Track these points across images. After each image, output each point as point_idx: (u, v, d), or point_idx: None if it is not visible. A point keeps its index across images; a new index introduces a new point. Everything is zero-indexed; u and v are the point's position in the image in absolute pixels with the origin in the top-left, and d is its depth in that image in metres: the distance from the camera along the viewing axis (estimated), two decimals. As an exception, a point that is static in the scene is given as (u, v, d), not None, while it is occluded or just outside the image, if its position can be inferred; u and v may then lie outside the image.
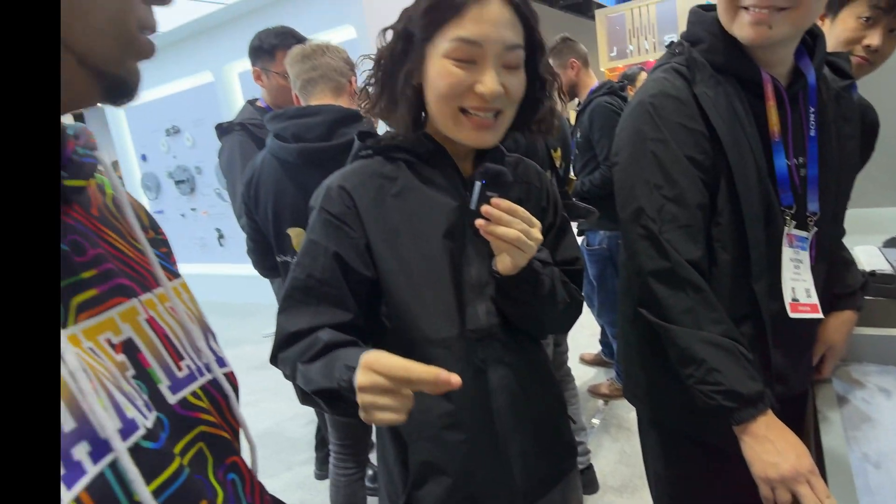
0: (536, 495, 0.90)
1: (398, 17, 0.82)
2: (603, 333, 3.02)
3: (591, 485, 2.07)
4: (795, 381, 1.00)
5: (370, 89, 0.85)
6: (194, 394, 0.48)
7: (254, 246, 1.58)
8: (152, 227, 0.56)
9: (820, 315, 0.95)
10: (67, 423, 0.35)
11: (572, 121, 2.66)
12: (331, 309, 0.80)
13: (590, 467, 2.09)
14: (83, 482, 0.35)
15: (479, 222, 0.74)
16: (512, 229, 0.74)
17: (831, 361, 1.12)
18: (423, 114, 0.86)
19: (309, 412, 2.67)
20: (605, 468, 2.21)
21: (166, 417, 0.44)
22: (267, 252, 1.54)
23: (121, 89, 0.43)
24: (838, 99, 1.00)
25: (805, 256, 0.96)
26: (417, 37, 0.79)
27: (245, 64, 2.85)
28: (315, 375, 0.73)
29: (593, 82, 2.56)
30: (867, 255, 1.53)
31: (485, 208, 0.74)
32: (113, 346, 0.42)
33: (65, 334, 0.38)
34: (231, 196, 1.88)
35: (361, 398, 0.63)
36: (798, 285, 0.94)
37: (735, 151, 0.90)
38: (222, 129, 1.91)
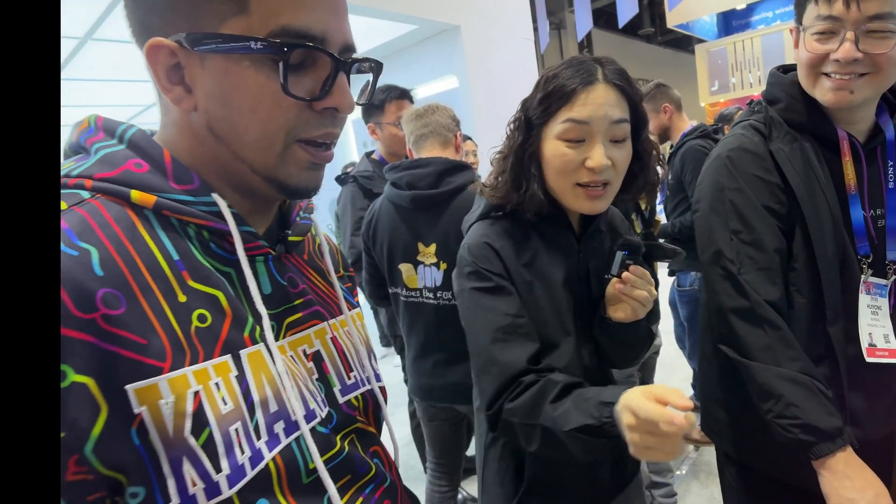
0: (612, 496, 1.04)
1: (519, 107, 0.95)
2: (695, 377, 2.96)
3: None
4: (872, 425, 1.03)
5: (500, 178, 0.97)
6: (356, 398, 0.64)
7: (369, 279, 1.82)
8: (343, 267, 0.76)
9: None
10: (272, 406, 0.52)
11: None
12: (530, 342, 0.89)
13: (676, 507, 2.11)
14: (278, 448, 0.51)
15: (619, 287, 0.90)
16: (643, 291, 0.89)
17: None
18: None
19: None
20: (692, 511, 2.19)
21: (335, 412, 0.60)
22: (381, 284, 1.77)
23: (289, 190, 0.54)
24: None
25: (884, 303, 1.01)
26: (535, 122, 0.92)
27: (355, 113, 3.21)
28: (571, 414, 0.78)
29: (686, 125, 2.63)
30: None
31: (625, 275, 0.89)
32: (306, 355, 0.60)
33: (277, 345, 0.54)
34: (341, 235, 2.17)
35: (630, 437, 0.68)
36: (876, 331, 0.99)
37: (809, 202, 0.98)
38: (340, 180, 2.22)
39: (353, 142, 4.84)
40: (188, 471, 0.45)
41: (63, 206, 0.45)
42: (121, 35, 3.04)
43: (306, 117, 0.52)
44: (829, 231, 0.98)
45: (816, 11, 0.95)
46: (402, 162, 1.67)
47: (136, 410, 0.43)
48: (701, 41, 9.89)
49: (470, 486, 2.73)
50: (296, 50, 0.48)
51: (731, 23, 10.38)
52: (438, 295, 1.61)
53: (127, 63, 3.61)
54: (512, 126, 0.96)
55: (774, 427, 0.94)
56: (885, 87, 0.99)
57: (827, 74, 0.96)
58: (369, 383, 0.67)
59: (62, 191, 0.47)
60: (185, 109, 0.51)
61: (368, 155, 2.28)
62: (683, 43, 12.75)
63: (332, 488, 0.54)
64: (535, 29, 5.62)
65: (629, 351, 1.02)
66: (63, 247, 0.43)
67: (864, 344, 0.98)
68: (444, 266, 1.59)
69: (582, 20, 6.43)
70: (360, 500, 0.58)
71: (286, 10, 0.48)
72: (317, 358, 0.61)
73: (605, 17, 11.04)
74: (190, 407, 0.45)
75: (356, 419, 0.63)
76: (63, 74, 3.58)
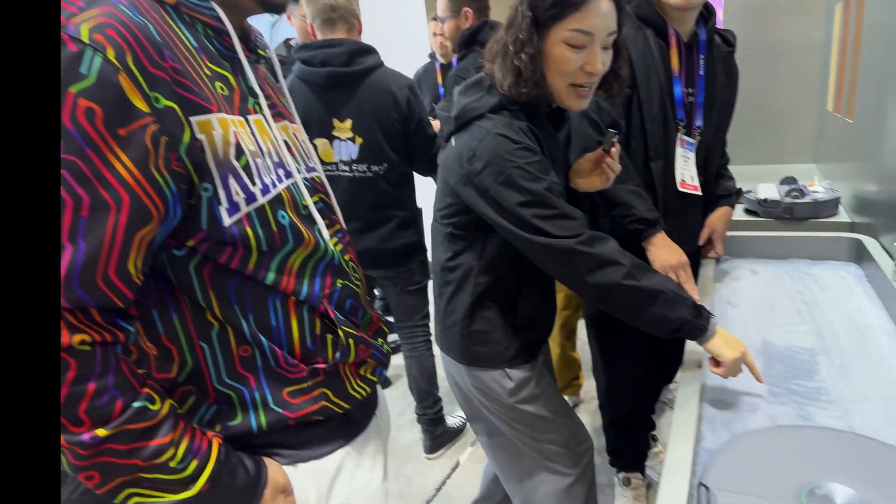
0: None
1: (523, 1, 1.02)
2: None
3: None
4: (681, 244, 1.51)
5: (518, 73, 1.03)
6: (316, 177, 0.86)
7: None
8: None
9: (699, 193, 1.48)
10: (275, 157, 0.74)
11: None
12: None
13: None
14: (283, 185, 0.75)
15: (607, 161, 1.17)
16: (618, 164, 1.19)
17: (718, 242, 1.65)
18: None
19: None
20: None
21: (307, 180, 0.82)
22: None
23: (270, 4, 0.74)
24: (724, 59, 1.50)
25: (691, 156, 1.48)
26: (543, 22, 1.01)
27: None
28: (667, 288, 1.04)
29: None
30: (766, 189, 2.06)
31: (613, 150, 1.16)
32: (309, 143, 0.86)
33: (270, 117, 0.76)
34: None
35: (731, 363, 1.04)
36: (686, 173, 1.46)
37: (644, 74, 1.39)
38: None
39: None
40: (233, 184, 0.66)
41: None
42: None
43: None
44: (657, 97, 1.40)
45: None
46: (313, 42, 1.81)
47: (198, 137, 0.62)
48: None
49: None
50: None
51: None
52: (354, 167, 1.84)
53: None
54: (519, 20, 1.03)
55: (620, 226, 1.42)
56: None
57: None
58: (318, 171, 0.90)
59: None
60: None
61: (287, 42, 2.36)
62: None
63: (320, 220, 0.80)
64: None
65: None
66: (129, 13, 0.58)
67: (678, 179, 1.43)
68: (359, 140, 1.81)
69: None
70: (336, 240, 0.84)
71: None
72: (287, 145, 0.81)
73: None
74: (233, 139, 0.65)
75: (319, 191, 0.86)
76: None
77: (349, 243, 0.90)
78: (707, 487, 0.79)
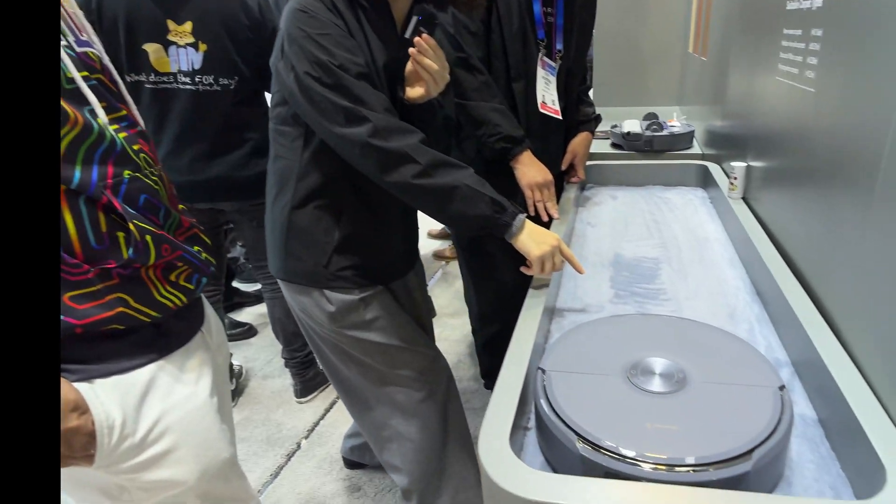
0: (410, 264, 1.32)
1: None
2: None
3: (431, 310, 2.67)
4: (545, 166, 1.53)
5: None
6: (92, 54, 0.75)
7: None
8: None
9: (560, 117, 1.48)
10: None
11: None
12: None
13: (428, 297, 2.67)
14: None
15: (412, 50, 0.99)
16: (434, 63, 1.01)
17: (580, 167, 1.69)
18: None
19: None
20: (443, 302, 2.80)
21: (78, 56, 0.72)
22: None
23: None
24: None
25: (552, 79, 1.47)
26: None
27: None
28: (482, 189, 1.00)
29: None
30: (629, 124, 2.15)
31: (417, 39, 0.99)
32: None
33: None
34: None
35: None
36: (547, 95, 1.45)
37: None
38: None
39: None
40: None
41: None
42: None
43: None
44: (516, 12, 1.38)
45: None
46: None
47: None
48: None
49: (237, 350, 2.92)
50: None
51: None
52: (198, 80, 1.62)
53: None
54: None
55: (486, 146, 1.40)
56: None
57: None
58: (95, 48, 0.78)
59: None
60: None
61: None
62: None
63: (93, 100, 0.69)
64: None
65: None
66: None
67: (539, 100, 1.42)
68: (203, 47, 1.60)
69: None
70: (117, 126, 0.73)
71: None
72: None
73: None
74: None
75: (96, 69, 0.74)
76: None
77: (142, 136, 0.80)
78: (544, 370, 0.79)
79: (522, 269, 1.07)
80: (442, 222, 1.06)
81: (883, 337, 0.70)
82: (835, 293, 0.88)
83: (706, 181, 1.76)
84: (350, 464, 1.82)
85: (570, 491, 0.59)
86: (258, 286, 2.47)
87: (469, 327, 2.47)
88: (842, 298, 0.85)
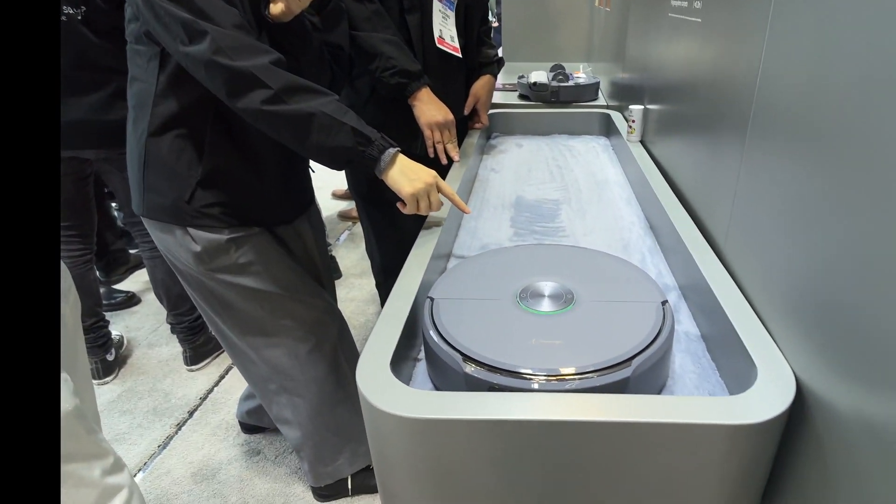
0: (297, 210, 1.22)
1: None
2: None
3: (335, 270, 2.59)
4: (451, 108, 1.48)
5: None
6: None
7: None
8: None
9: (459, 55, 1.43)
10: None
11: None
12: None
13: (332, 257, 2.59)
14: None
15: None
16: None
17: (483, 111, 1.66)
18: None
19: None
20: (349, 263, 2.72)
21: None
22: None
23: None
24: None
25: (451, 15, 1.41)
26: None
27: None
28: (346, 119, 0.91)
29: None
30: (536, 75, 2.14)
31: None
32: None
33: None
34: None
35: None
36: (445, 31, 1.39)
37: None
38: None
39: None
40: None
41: None
42: None
43: None
44: None
45: None
46: None
47: None
48: None
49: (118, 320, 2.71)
50: None
51: None
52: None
53: None
54: None
55: (380, 82, 1.32)
56: None
57: None
58: None
59: None
60: None
61: None
62: None
63: None
64: None
65: (294, 65, 1.03)
66: None
67: (436, 35, 1.36)
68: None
69: None
70: None
71: None
72: None
73: None
74: None
75: None
76: None
77: None
78: (433, 299, 0.76)
79: (398, 205, 1.02)
80: (305, 156, 0.98)
81: (758, 257, 0.72)
82: (718, 222, 0.91)
83: (609, 130, 1.79)
84: (247, 428, 1.73)
85: (452, 406, 0.56)
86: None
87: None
88: (724, 227, 0.88)
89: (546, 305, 0.73)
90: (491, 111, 1.86)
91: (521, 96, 2.16)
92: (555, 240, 1.11)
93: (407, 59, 1.32)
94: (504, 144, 1.77)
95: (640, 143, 1.46)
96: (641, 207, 1.24)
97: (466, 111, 1.62)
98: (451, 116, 1.38)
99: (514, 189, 1.39)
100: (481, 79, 1.61)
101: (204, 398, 1.91)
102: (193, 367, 2.01)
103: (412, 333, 0.77)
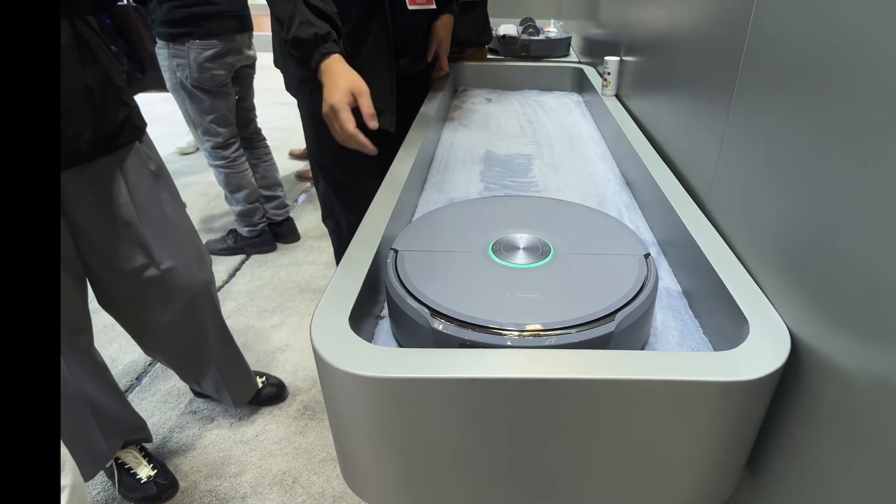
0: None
1: None
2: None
3: (293, 233, 2.50)
4: (412, 61, 1.40)
5: None
6: None
7: None
8: None
9: (433, 6, 1.33)
10: None
11: None
12: None
13: (290, 219, 2.48)
14: None
15: None
16: None
17: (444, 56, 1.56)
18: None
19: None
20: (308, 226, 2.62)
21: None
22: None
23: None
24: None
25: None
26: None
27: None
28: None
29: None
30: (506, 27, 2.06)
31: None
32: None
33: None
34: None
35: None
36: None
37: None
38: None
39: None
40: None
41: None
42: None
43: None
44: None
45: None
46: None
47: None
48: None
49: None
50: None
51: None
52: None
53: None
54: None
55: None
56: None
57: None
58: None
59: None
60: None
61: None
62: None
63: None
64: None
65: None
66: None
67: None
68: None
69: None
70: None
71: None
72: None
73: None
74: None
75: None
76: None
77: None
78: (396, 251, 0.70)
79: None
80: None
81: (745, 207, 0.68)
82: (702, 174, 0.86)
83: (582, 86, 1.73)
84: (200, 394, 1.66)
85: (419, 364, 0.51)
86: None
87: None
88: (708, 178, 0.83)
89: (521, 258, 0.68)
90: (458, 63, 1.77)
91: (491, 50, 2.07)
92: (527, 195, 1.05)
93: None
94: (473, 99, 1.69)
95: (615, 97, 1.41)
96: (617, 163, 1.19)
97: (429, 58, 1.53)
98: (361, 85, 1.03)
99: (483, 143, 1.32)
100: (441, 18, 1.50)
101: (152, 363, 1.81)
102: (141, 333, 1.90)
103: (374, 289, 0.71)
